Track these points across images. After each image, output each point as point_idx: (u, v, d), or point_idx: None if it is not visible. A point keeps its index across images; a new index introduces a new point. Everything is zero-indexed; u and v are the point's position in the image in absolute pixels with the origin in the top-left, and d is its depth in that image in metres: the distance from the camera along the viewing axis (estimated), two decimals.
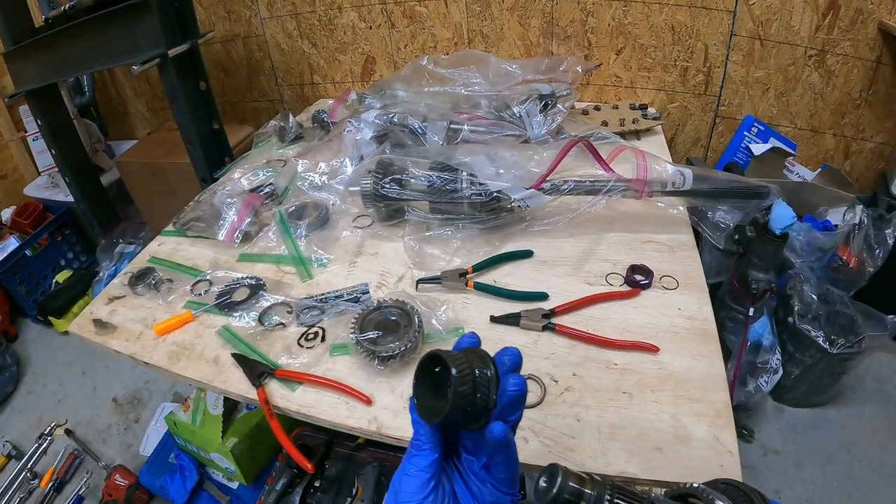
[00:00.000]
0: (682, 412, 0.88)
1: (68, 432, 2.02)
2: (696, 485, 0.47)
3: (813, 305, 1.81)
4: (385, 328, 0.98)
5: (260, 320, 1.07)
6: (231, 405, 1.56)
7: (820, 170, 2.09)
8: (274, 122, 1.78)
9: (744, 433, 1.92)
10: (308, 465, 0.96)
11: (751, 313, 1.53)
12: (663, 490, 0.49)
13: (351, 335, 0.96)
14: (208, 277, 1.19)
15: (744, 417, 1.97)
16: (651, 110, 1.75)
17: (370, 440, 1.36)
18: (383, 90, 1.72)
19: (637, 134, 1.68)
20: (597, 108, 1.81)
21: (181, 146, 1.90)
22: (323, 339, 1.03)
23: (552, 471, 0.47)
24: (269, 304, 1.11)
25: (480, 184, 1.15)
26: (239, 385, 0.96)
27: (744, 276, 1.54)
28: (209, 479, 1.67)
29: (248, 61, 2.49)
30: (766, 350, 1.71)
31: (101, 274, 2.51)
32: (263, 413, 0.92)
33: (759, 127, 2.00)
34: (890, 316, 1.82)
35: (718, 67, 1.98)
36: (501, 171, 1.15)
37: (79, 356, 2.43)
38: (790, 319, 1.81)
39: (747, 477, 0.78)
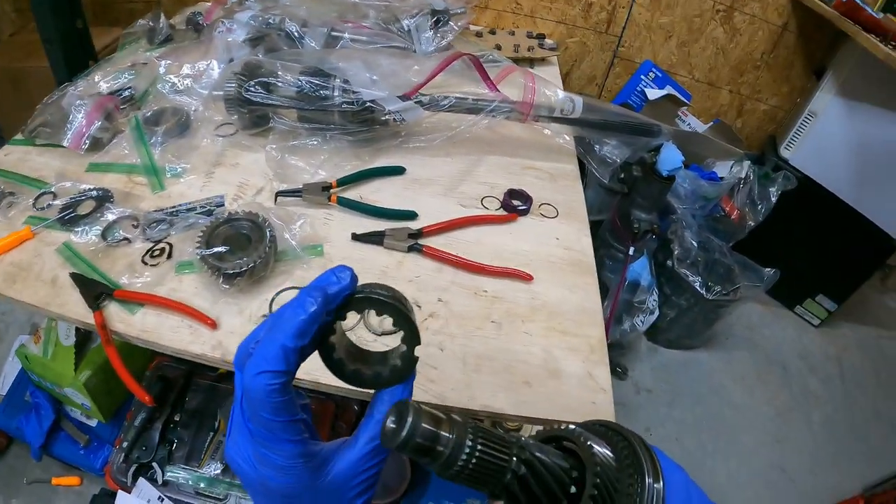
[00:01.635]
0: (554, 345, 0.84)
1: None
2: (571, 427, 0.40)
3: (692, 251, 1.85)
4: (234, 243, 0.87)
5: (103, 235, 0.94)
6: (84, 335, 1.42)
7: (712, 123, 2.13)
8: (143, 22, 1.59)
9: (618, 371, 1.97)
10: (146, 398, 0.85)
11: (631, 252, 1.53)
12: (534, 430, 0.42)
13: (196, 250, 0.85)
14: (53, 189, 1.04)
15: (618, 355, 2.02)
16: (548, 41, 1.68)
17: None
18: None
19: (531, 62, 1.62)
20: (492, 32, 1.73)
21: (40, 50, 1.67)
22: (170, 255, 0.92)
23: (401, 409, 0.38)
24: (114, 217, 0.97)
25: (354, 92, 1.05)
26: (76, 309, 0.84)
27: (626, 215, 1.53)
28: (67, 417, 1.54)
29: None
30: (643, 290, 1.73)
31: None
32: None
33: (657, 73, 2.00)
34: (766, 269, 1.88)
35: (623, 8, 1.95)
36: (377, 79, 1.05)
37: None
38: (669, 263, 1.85)
39: (619, 414, 0.77)
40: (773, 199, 1.92)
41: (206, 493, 1.24)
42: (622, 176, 1.49)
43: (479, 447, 0.37)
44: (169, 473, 1.26)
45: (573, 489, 0.37)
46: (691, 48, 2.05)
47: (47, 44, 1.66)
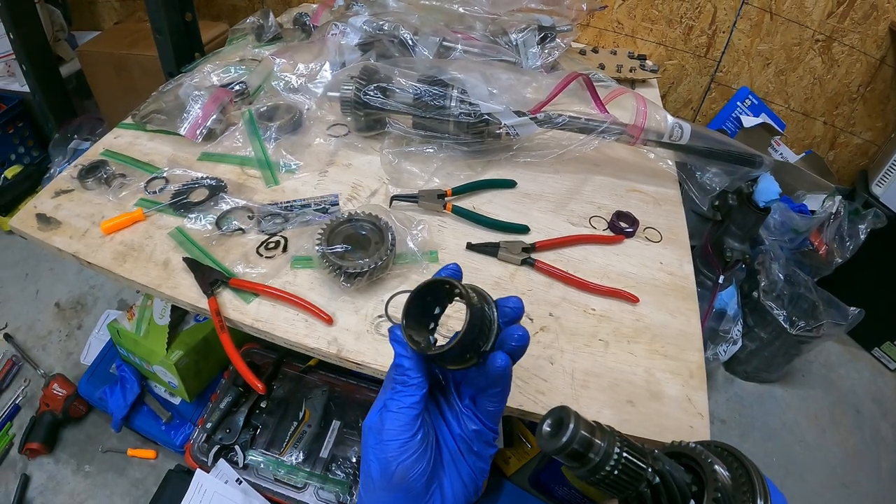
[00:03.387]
0: (656, 367, 0.85)
1: (7, 337, 1.90)
2: (693, 445, 0.43)
3: (778, 284, 1.81)
4: (354, 243, 0.90)
5: (217, 224, 0.98)
6: (178, 316, 1.47)
7: (804, 154, 2.08)
8: (252, 19, 1.66)
9: None
10: (259, 386, 0.87)
11: (720, 280, 1.51)
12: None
13: (317, 247, 0.88)
14: (164, 175, 1.09)
15: None
16: (649, 62, 1.69)
17: (322, 362, 1.31)
18: None
19: (632, 83, 1.62)
20: (594, 51, 1.74)
21: (149, 39, 1.74)
22: (285, 249, 0.95)
23: (561, 415, 0.42)
24: (228, 207, 1.01)
25: (471, 103, 1.07)
26: (188, 293, 0.88)
27: (719, 243, 1.52)
28: (150, 392, 1.59)
29: None
30: (729, 319, 1.71)
31: (52, 171, 2.34)
32: (212, 326, 0.84)
33: (753, 100, 1.97)
34: (852, 308, 1.83)
35: (724, 32, 1.92)
36: (495, 92, 1.07)
37: (22, 257, 2.27)
38: (755, 294, 1.81)
39: (689, 435, 0.76)
40: (863, 237, 1.87)
41: (285, 481, 1.27)
42: (717, 203, 1.48)
43: (624, 456, 0.40)
44: (250, 457, 1.30)
45: (692, 502, 0.40)
46: (788, 77, 2.01)
47: (158, 34, 1.72)
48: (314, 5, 1.90)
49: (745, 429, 1.94)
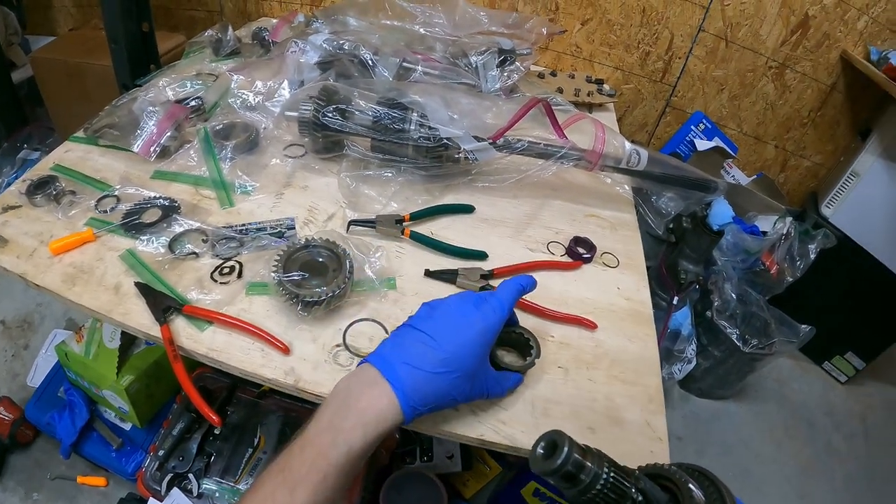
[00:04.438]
0: (615, 393, 0.85)
1: None
2: (666, 466, 0.45)
3: (731, 304, 1.85)
4: (311, 270, 0.88)
5: (170, 247, 0.95)
6: (129, 339, 1.41)
7: (756, 176, 2.13)
8: (210, 32, 1.62)
9: None
10: (215, 419, 0.84)
11: (675, 301, 1.54)
12: (637, 467, 0.47)
13: (273, 274, 0.86)
14: (116, 193, 1.05)
15: None
16: (606, 87, 1.71)
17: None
18: (335, 15, 1.59)
19: (589, 107, 1.65)
20: (553, 74, 1.76)
21: (104, 47, 1.70)
22: (240, 274, 0.93)
23: (555, 439, 0.45)
24: (182, 229, 0.98)
25: (430, 127, 1.07)
26: (141, 320, 0.84)
27: (674, 265, 1.55)
28: (100, 417, 1.54)
29: None
30: (683, 339, 1.74)
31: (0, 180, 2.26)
32: (164, 350, 0.81)
33: (707, 124, 2.01)
34: (803, 326, 1.88)
35: (679, 59, 1.97)
36: (455, 116, 1.07)
37: None
38: (709, 314, 1.85)
39: (649, 459, 0.77)
40: (812, 256, 1.92)
41: None
42: (671, 226, 1.51)
43: (612, 476, 0.43)
44: (204, 486, 1.26)
45: None
46: (742, 102, 2.07)
47: (113, 44, 1.68)
48: (274, 20, 1.88)
49: (701, 445, 1.97)
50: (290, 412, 1.39)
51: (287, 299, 0.85)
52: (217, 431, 1.34)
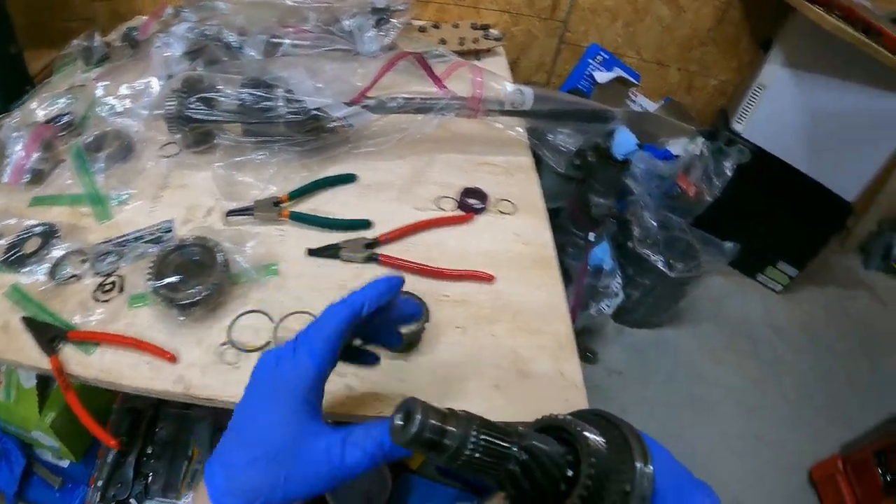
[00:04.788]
0: (521, 345, 0.83)
1: None
2: (563, 416, 0.43)
3: (652, 231, 1.86)
4: (186, 271, 0.83)
5: (52, 274, 0.90)
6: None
7: (662, 102, 2.14)
8: (77, 42, 1.52)
9: (588, 356, 1.98)
10: (111, 442, 0.81)
11: (591, 238, 1.53)
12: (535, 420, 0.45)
13: (148, 282, 0.81)
14: None
15: (587, 340, 2.03)
16: (493, 31, 1.67)
17: None
18: (201, 2, 1.51)
19: (477, 54, 1.61)
20: (435, 27, 1.71)
21: None
22: (122, 289, 0.88)
23: (409, 407, 0.41)
24: (61, 253, 0.93)
25: (298, 101, 1.01)
26: (31, 354, 0.79)
27: (584, 201, 1.53)
28: (38, 460, 1.45)
29: None
30: (607, 274, 1.74)
31: None
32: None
33: (605, 56, 2.00)
34: (727, 242, 1.91)
35: None
36: (321, 86, 1.02)
37: None
38: (630, 244, 1.86)
39: (594, 399, 0.77)
40: (729, 173, 1.94)
41: None
42: (577, 163, 1.49)
43: (482, 438, 0.39)
44: None
45: (570, 472, 0.39)
46: (637, 28, 2.06)
47: None
48: (144, 18, 1.78)
49: (644, 376, 1.99)
50: (219, 417, 1.35)
51: (165, 306, 0.81)
52: (150, 450, 1.29)
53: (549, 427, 0.43)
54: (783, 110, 2.09)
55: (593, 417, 0.44)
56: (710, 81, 2.27)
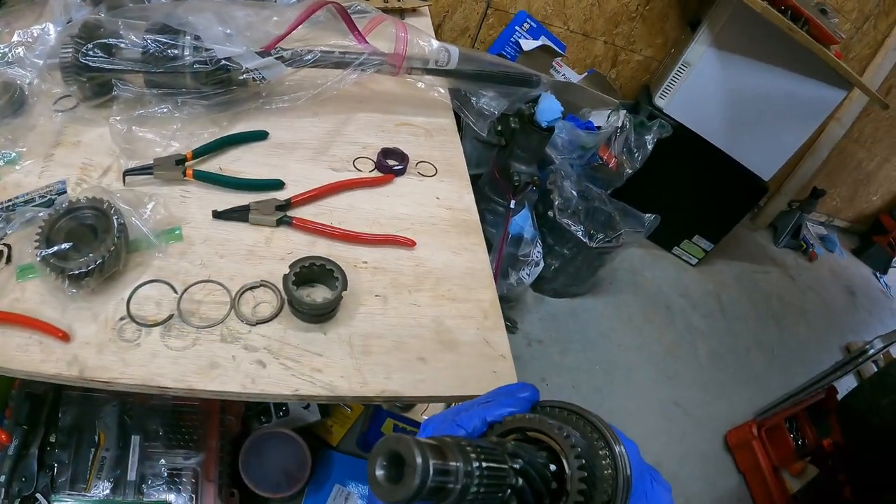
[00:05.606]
0: (445, 315, 0.81)
1: None
2: (528, 416, 0.40)
3: (573, 201, 1.88)
4: (78, 238, 0.75)
5: None
6: None
7: (587, 73, 2.15)
8: None
9: (507, 325, 1.98)
10: (1, 436, 0.72)
11: (512, 206, 1.52)
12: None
13: (36, 251, 0.73)
14: None
15: (506, 309, 2.04)
16: None
17: None
18: None
19: (402, 13, 1.55)
20: None
21: None
22: (8, 259, 0.78)
23: (397, 451, 0.30)
24: None
25: (207, 49, 0.94)
26: None
27: (506, 168, 1.52)
28: None
29: None
30: (527, 243, 1.74)
31: None
32: None
33: (532, 23, 1.99)
34: (647, 215, 1.94)
35: None
36: (231, 33, 0.95)
37: None
38: (550, 213, 1.87)
39: (492, 381, 0.75)
40: (650, 147, 1.98)
41: None
42: (499, 128, 1.47)
43: (484, 466, 0.33)
44: (55, 503, 1.13)
45: (554, 468, 0.37)
46: None
47: None
48: None
49: (563, 344, 2.02)
50: (126, 399, 1.26)
51: (55, 277, 0.73)
52: (53, 439, 1.20)
53: (520, 429, 0.40)
54: (706, 89, 2.14)
55: (561, 413, 0.42)
56: (634, 56, 2.30)
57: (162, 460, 1.21)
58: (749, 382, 2.23)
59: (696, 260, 2.60)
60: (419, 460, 0.30)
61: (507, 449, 0.36)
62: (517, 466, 0.35)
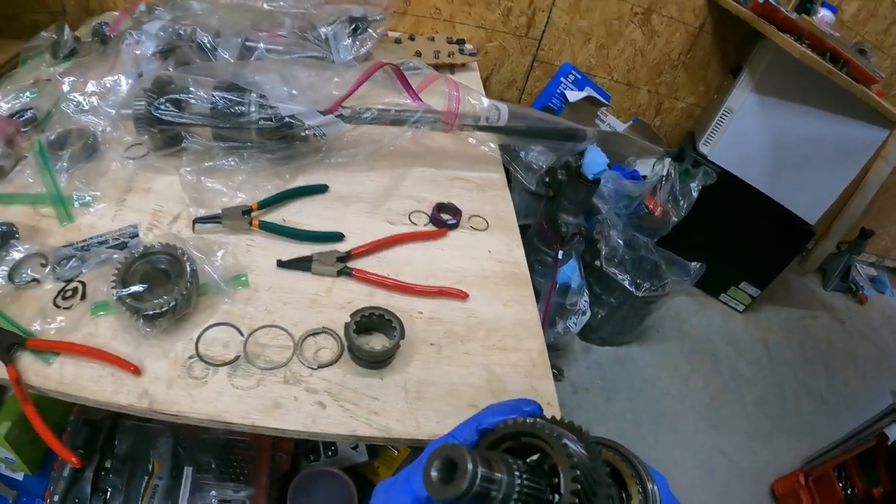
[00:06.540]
0: (495, 363, 0.83)
1: None
2: (529, 420, 0.40)
3: (619, 250, 1.88)
4: (153, 280, 0.81)
5: (10, 277, 0.85)
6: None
7: (631, 122, 2.17)
8: (46, 35, 1.47)
9: (554, 373, 1.98)
10: (72, 458, 0.78)
11: (559, 256, 1.54)
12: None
13: (112, 290, 0.78)
14: None
15: (553, 357, 2.03)
16: (468, 46, 1.68)
17: None
18: (175, 0, 1.48)
19: (451, 68, 1.61)
20: (411, 39, 1.71)
21: None
22: (84, 296, 0.84)
23: (452, 457, 0.36)
24: (21, 255, 0.88)
25: (271, 107, 1.00)
26: None
27: (554, 219, 1.55)
28: None
29: None
30: (574, 292, 1.75)
31: None
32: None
33: (577, 75, 2.02)
34: (693, 263, 1.93)
35: (543, 11, 1.96)
36: (296, 92, 1.01)
37: None
38: (597, 263, 1.88)
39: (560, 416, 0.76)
40: (695, 194, 1.98)
41: None
42: (547, 180, 1.50)
43: (525, 479, 0.36)
44: None
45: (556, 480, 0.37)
46: (610, 50, 2.09)
47: None
48: (115, 13, 1.74)
49: (609, 392, 2.01)
50: (180, 430, 1.31)
51: (130, 315, 0.78)
52: (108, 464, 1.24)
53: (517, 433, 0.41)
54: (749, 134, 2.14)
55: (607, 449, 0.43)
56: (678, 104, 2.32)
57: (213, 492, 1.23)
58: (796, 430, 2.17)
59: (744, 306, 2.56)
60: (469, 466, 0.34)
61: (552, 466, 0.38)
62: (553, 482, 0.37)
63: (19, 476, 1.38)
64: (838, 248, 3.05)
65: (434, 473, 0.36)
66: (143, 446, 1.27)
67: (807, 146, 2.12)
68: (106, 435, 1.27)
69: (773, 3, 1.84)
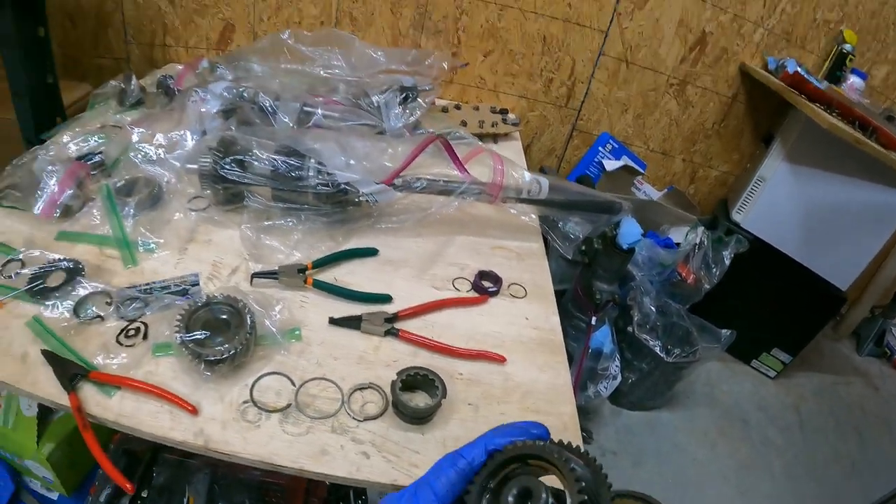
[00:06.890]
0: None
1: None
2: (538, 443, 0.43)
3: (651, 316, 1.90)
4: (214, 328, 0.87)
5: (76, 311, 0.91)
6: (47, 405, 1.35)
7: (666, 190, 2.21)
8: (114, 83, 1.57)
9: (583, 435, 1.98)
10: (128, 486, 0.82)
11: (593, 322, 1.57)
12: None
13: (176, 334, 0.84)
14: (21, 257, 1.00)
15: (583, 420, 2.03)
16: (511, 116, 1.75)
17: None
18: (238, 61, 1.59)
19: (495, 137, 1.68)
20: (457, 107, 1.79)
21: (6, 101, 1.63)
22: (145, 336, 0.90)
23: (529, 487, 0.39)
24: (86, 292, 0.95)
25: (328, 173, 1.07)
26: (49, 389, 0.81)
27: (588, 286, 1.58)
28: (26, 488, 1.44)
29: (97, 12, 2.22)
30: (606, 357, 1.77)
31: None
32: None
33: (614, 144, 2.08)
34: (724, 330, 1.95)
35: (582, 83, 2.03)
36: (352, 161, 1.08)
37: None
38: (630, 329, 1.90)
39: None
40: (727, 262, 1.99)
41: None
42: (583, 248, 1.54)
43: None
44: None
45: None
46: (646, 120, 2.15)
47: (16, 98, 1.60)
48: (180, 66, 1.85)
49: (637, 457, 2.00)
50: (217, 468, 1.35)
51: (191, 359, 0.84)
52: (145, 494, 1.28)
53: (518, 457, 0.43)
54: (781, 202, 2.16)
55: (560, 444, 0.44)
56: (712, 172, 2.36)
57: None
58: (826, 498, 2.12)
59: (775, 373, 2.54)
60: (544, 496, 0.38)
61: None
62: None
63: (53, 496, 1.44)
64: (872, 312, 3.01)
65: (510, 499, 0.40)
66: (181, 480, 1.30)
67: (838, 213, 2.14)
68: (145, 466, 1.32)
69: (803, 73, 1.89)
